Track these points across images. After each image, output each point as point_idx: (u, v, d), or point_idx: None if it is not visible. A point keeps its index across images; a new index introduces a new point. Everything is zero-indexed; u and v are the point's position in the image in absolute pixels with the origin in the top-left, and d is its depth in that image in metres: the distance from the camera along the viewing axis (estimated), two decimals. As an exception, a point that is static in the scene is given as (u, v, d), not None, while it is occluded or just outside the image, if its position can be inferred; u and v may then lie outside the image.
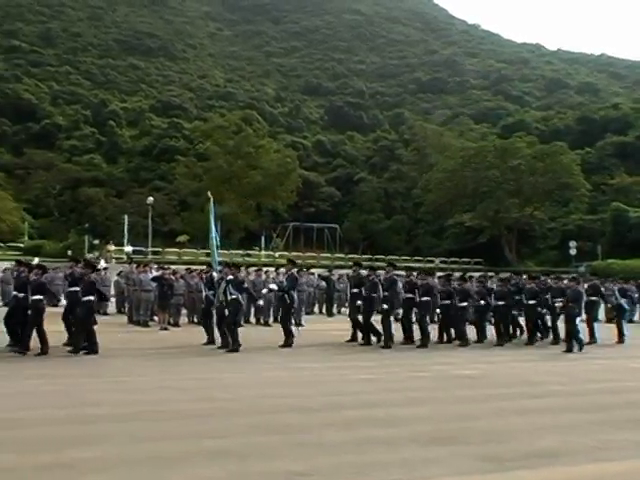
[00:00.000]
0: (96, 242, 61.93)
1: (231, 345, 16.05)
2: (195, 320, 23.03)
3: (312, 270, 31.22)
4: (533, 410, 10.15)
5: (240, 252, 62.41)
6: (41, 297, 14.68)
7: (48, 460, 6.82)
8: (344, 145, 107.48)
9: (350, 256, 64.12)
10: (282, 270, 24.31)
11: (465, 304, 19.09)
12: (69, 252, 58.90)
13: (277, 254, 61.69)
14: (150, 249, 57.48)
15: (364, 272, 19.64)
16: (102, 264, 34.75)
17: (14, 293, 15.32)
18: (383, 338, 17.84)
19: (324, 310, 28.98)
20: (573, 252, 63.06)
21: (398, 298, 18.43)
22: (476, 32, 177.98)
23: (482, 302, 19.44)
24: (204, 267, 23.48)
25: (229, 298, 16.43)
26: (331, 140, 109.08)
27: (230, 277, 16.75)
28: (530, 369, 14.95)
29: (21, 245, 59.58)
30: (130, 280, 24.31)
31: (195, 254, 57.89)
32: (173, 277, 22.29)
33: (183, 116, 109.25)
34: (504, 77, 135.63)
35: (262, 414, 9.32)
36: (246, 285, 17.97)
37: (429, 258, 72.05)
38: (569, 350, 17.62)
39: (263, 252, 63.95)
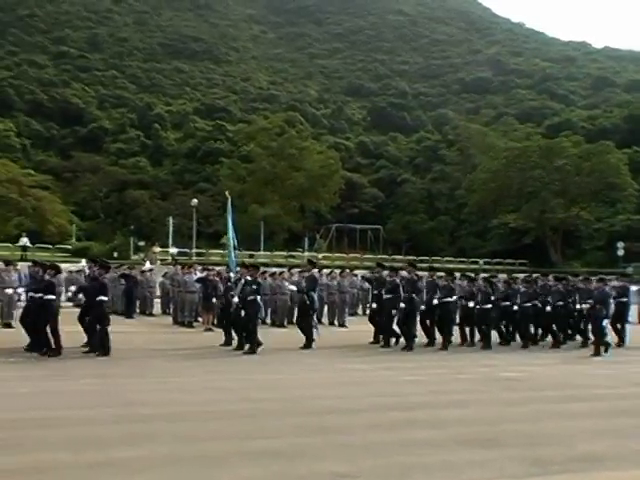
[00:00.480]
0: (142, 244, 62.56)
1: (248, 347, 15.94)
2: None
3: (356, 272, 31.18)
4: (578, 413, 10.07)
5: (283, 253, 62.62)
6: (53, 297, 14.74)
7: (100, 458, 6.96)
8: (387, 146, 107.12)
9: (393, 257, 63.91)
10: (295, 270, 24.16)
11: (489, 306, 18.69)
12: (115, 254, 59.68)
13: (320, 255, 61.72)
14: (194, 250, 57.92)
15: (385, 273, 19.35)
16: (147, 265, 35.13)
17: (30, 294, 15.29)
18: (404, 340, 17.73)
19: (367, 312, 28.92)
20: (621, 253, 62.10)
21: (419, 299, 18.20)
22: (520, 31, 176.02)
23: (507, 303, 19.09)
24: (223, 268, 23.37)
25: (247, 299, 16.17)
26: (374, 141, 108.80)
27: (248, 278, 16.50)
28: (574, 372, 14.81)
29: (69, 247, 60.41)
30: (175, 281, 24.56)
31: (239, 255, 58.13)
32: (217, 278, 22.49)
33: (227, 118, 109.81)
34: (549, 76, 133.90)
35: (307, 415, 9.37)
36: (262, 286, 17.76)
37: (473, 259, 71.51)
38: (596, 354, 17.31)
39: (306, 253, 63.95)
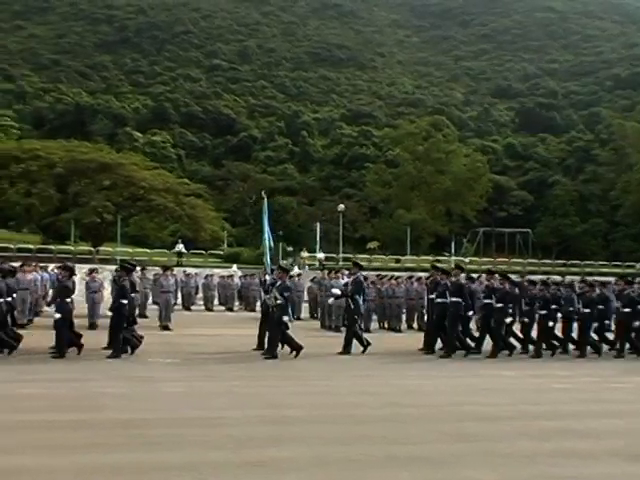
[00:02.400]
0: (290, 249, 63.77)
1: (267, 350, 15.64)
2: (385, 326, 23.48)
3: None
4: None
5: (430, 258, 62.07)
6: (68, 300, 15.03)
7: (251, 458, 7.18)
8: (536, 147, 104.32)
9: (543, 261, 62.17)
10: (345, 272, 23.67)
11: (545, 312, 17.47)
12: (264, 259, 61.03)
13: (468, 259, 60.85)
14: (341, 255, 58.46)
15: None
16: (296, 270, 35.84)
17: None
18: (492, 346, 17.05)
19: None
20: None
21: (467, 303, 17.33)
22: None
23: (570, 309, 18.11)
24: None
25: (276, 302, 15.84)
26: (522, 143, 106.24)
27: (279, 281, 16.26)
28: None
29: (221, 252, 62.41)
30: (322, 286, 24.90)
31: (384, 260, 58.29)
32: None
33: (373, 124, 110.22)
34: None
35: (452, 421, 9.30)
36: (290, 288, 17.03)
37: (628, 263, 68.34)
38: None
39: (453, 258, 63.24)
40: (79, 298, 23.41)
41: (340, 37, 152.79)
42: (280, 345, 15.59)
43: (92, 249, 53.11)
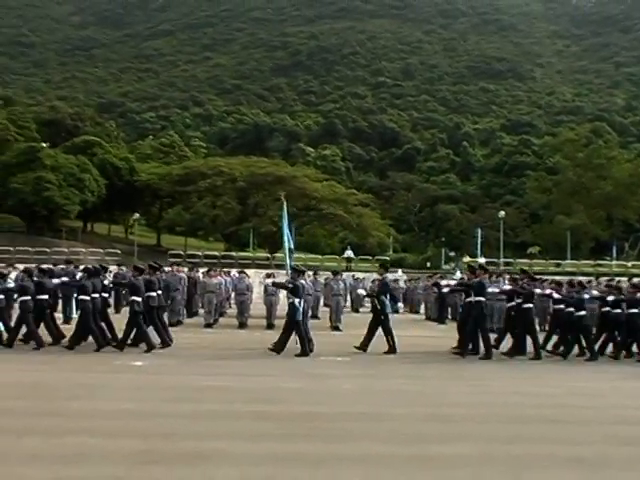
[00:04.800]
0: (452, 254, 63.09)
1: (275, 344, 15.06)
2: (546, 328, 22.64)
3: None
4: None
5: (590, 262, 59.49)
6: (45, 297, 15.17)
7: (418, 452, 7.17)
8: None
9: None
10: (375, 275, 22.50)
11: (583, 313, 15.70)
12: (428, 264, 60.82)
13: (630, 264, 57.75)
14: (502, 260, 57.16)
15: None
16: (458, 274, 35.38)
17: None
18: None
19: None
20: None
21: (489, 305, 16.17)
22: None
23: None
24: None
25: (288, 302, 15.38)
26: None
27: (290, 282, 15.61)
28: None
29: (387, 258, 62.62)
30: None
31: (545, 264, 56.40)
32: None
33: (532, 133, 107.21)
34: None
35: (619, 424, 8.88)
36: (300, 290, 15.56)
37: None
38: None
39: (614, 262, 60.26)
40: (257, 300, 24.34)
41: (499, 50, 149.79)
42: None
43: (269, 255, 54.72)
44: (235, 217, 60.44)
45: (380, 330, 15.67)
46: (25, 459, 6.55)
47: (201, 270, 26.15)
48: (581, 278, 22.90)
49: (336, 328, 21.66)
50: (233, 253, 53.02)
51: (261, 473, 6.33)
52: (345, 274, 31.20)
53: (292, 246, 21.18)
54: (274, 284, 18.34)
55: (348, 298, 29.12)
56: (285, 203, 21.91)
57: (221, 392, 10.39)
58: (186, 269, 25.24)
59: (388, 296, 16.11)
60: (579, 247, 66.36)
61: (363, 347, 15.35)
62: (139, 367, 12.71)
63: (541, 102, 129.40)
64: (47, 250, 44.36)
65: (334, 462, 6.74)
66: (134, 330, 14.91)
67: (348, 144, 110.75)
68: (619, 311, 15.82)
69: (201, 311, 23.31)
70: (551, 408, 9.84)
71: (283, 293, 24.28)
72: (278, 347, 14.78)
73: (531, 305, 15.85)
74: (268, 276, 23.58)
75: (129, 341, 14.97)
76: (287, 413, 8.93)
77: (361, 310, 29.91)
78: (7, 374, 11.70)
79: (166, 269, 23.61)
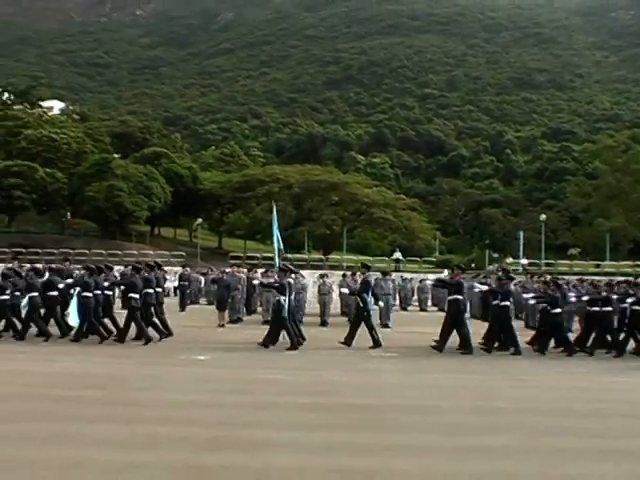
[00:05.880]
0: (495, 256, 62.32)
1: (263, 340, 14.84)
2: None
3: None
4: None
5: (629, 263, 58.07)
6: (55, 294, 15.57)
7: (465, 443, 7.10)
8: None
9: None
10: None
11: (610, 309, 15.14)
12: (472, 265, 60.14)
13: (668, 265, 56.18)
14: (543, 261, 56.24)
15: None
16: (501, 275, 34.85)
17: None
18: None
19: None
20: None
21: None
22: None
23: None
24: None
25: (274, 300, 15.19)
26: None
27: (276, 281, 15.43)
28: None
29: (433, 259, 62.14)
30: (526, 289, 24.07)
31: (585, 265, 55.27)
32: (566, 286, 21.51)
33: (572, 140, 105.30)
34: None
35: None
36: (286, 288, 15.17)
37: None
38: None
39: (653, 263, 58.77)
40: (312, 299, 24.37)
41: (540, 62, 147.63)
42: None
43: (323, 257, 54.82)
44: (291, 221, 60.70)
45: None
46: (99, 444, 6.69)
47: (259, 271, 26.31)
48: (620, 278, 22.41)
49: (385, 325, 21.59)
50: (289, 255, 53.26)
51: (316, 461, 6.34)
52: (394, 274, 31.06)
53: (281, 247, 21.35)
54: (262, 285, 18.20)
55: (397, 297, 28.99)
56: (275, 207, 22.06)
57: (277, 385, 10.45)
58: (245, 270, 25.45)
59: (370, 294, 15.84)
60: (618, 249, 64.85)
61: (347, 342, 15.09)
62: (202, 361, 12.84)
63: (580, 110, 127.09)
64: (119, 252, 45.12)
65: (384, 451, 6.73)
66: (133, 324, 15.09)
67: (397, 152, 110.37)
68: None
69: (259, 309, 23.46)
70: (593, 402, 9.65)
71: (336, 292, 24.42)
72: (267, 341, 14.68)
73: (508, 303, 15.34)
74: (322, 277, 23.64)
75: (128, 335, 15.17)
76: (339, 405, 8.94)
77: (409, 309, 29.78)
78: (80, 365, 11.96)
79: (227, 270, 23.93)
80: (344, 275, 26.17)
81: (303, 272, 26.45)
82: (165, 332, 15.72)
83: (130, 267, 18.29)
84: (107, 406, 8.50)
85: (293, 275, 16.74)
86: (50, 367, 11.74)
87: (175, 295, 29.62)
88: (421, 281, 32.19)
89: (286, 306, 14.68)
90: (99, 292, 15.41)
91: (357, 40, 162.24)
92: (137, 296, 14.99)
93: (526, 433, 7.62)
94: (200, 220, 61.23)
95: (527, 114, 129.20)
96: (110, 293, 16.23)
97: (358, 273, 22.93)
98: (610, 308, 15.38)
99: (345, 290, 19.46)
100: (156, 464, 6.15)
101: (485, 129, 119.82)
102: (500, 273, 18.92)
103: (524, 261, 54.06)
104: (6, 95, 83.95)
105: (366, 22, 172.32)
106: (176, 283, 29.75)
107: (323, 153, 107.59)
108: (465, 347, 14.83)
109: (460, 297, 15.20)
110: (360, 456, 6.58)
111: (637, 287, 16.79)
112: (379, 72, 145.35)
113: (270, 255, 52.82)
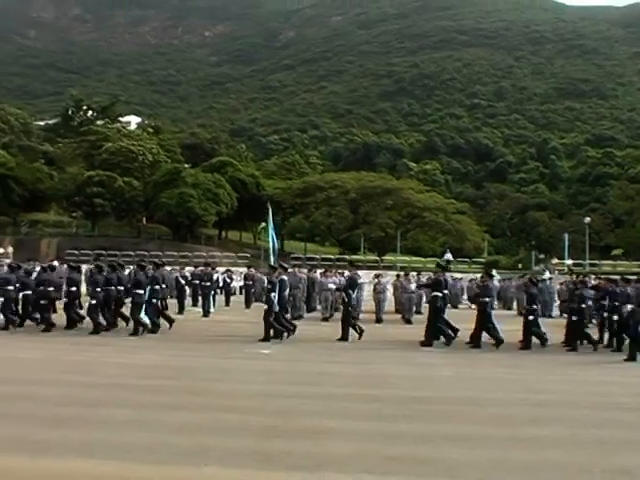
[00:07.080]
0: (541, 257, 61.13)
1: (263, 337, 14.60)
2: None
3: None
4: None
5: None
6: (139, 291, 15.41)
7: (510, 433, 6.98)
8: None
9: None
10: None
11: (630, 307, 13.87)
12: (519, 265, 59.14)
13: None
14: (587, 262, 54.92)
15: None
16: (547, 274, 34.21)
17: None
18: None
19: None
20: None
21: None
22: None
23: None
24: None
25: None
26: None
27: (267, 278, 15.27)
28: None
29: (482, 260, 61.31)
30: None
31: (628, 265, 53.69)
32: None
33: (615, 146, 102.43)
34: None
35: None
36: (277, 285, 14.96)
37: None
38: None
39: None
40: (367, 298, 24.24)
41: (584, 72, 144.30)
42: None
43: (378, 258, 54.67)
44: (348, 224, 60.77)
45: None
46: (175, 430, 6.81)
47: (319, 271, 26.34)
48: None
49: (408, 321, 21.42)
50: (346, 256, 53.24)
51: (370, 448, 6.31)
52: (445, 274, 30.66)
53: (276, 246, 21.40)
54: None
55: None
56: (270, 209, 21.94)
57: (336, 377, 10.45)
58: (305, 270, 25.51)
59: (356, 291, 16.02)
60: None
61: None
62: (266, 354, 12.92)
63: (623, 117, 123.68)
64: (189, 254, 45.81)
65: (435, 440, 6.66)
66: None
67: (447, 159, 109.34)
68: None
69: (319, 307, 23.48)
70: (633, 396, 9.35)
71: (390, 291, 24.28)
72: (265, 337, 14.61)
73: (439, 294, 15.05)
74: (377, 277, 23.52)
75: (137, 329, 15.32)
76: (394, 396, 8.88)
77: (460, 307, 29.39)
78: (155, 357, 12.21)
79: (289, 270, 24.00)
80: (398, 275, 26.01)
81: (359, 272, 26.36)
82: (173, 320, 16.40)
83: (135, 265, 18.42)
84: (181, 395, 8.63)
85: (291, 270, 17.07)
86: (128, 359, 12.00)
87: (241, 294, 29.83)
88: (470, 281, 31.76)
89: (276, 301, 14.64)
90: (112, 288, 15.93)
91: (409, 55, 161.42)
92: (142, 292, 15.25)
93: (570, 425, 7.45)
94: (263, 224, 61.76)
95: (571, 122, 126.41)
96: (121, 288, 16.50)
97: (411, 273, 22.84)
98: None
99: (332, 286, 19.51)
100: (225, 448, 6.21)
101: (531, 136, 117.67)
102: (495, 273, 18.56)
103: (569, 262, 52.92)
104: (90, 112, 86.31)
105: (417, 37, 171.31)
106: (242, 282, 29.92)
107: (377, 161, 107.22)
108: (427, 339, 14.58)
109: (439, 294, 15.08)
110: (416, 444, 6.53)
111: None
112: (430, 84, 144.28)
113: (329, 256, 53.11)
